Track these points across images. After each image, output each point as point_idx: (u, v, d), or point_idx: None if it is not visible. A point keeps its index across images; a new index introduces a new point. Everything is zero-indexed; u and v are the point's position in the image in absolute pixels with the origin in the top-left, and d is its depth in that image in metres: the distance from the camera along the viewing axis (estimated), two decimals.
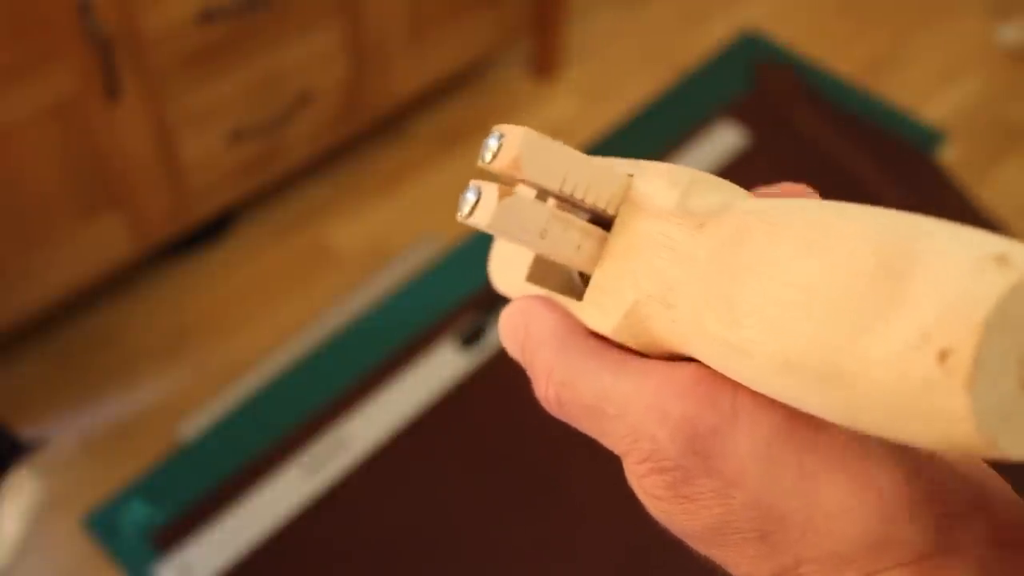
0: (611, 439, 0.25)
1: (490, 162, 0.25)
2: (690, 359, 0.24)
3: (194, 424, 1.41)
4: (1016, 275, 0.18)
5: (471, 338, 0.88)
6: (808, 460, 0.21)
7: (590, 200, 0.26)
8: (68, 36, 1.17)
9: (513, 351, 0.28)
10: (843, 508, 0.21)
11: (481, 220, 0.25)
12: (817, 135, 1.03)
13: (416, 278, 0.93)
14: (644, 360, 0.25)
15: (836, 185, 0.99)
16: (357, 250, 1.65)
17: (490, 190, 0.25)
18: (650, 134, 1.03)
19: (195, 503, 0.78)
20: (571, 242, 0.26)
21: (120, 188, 1.36)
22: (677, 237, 0.24)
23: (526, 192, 0.27)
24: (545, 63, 1.86)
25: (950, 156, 1.68)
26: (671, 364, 0.24)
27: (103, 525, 0.77)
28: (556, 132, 1.81)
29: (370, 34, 1.53)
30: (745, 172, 0.99)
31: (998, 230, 1.01)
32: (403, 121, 1.80)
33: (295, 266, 1.63)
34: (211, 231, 1.62)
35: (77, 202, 1.33)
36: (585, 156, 0.26)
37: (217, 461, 0.81)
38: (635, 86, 1.81)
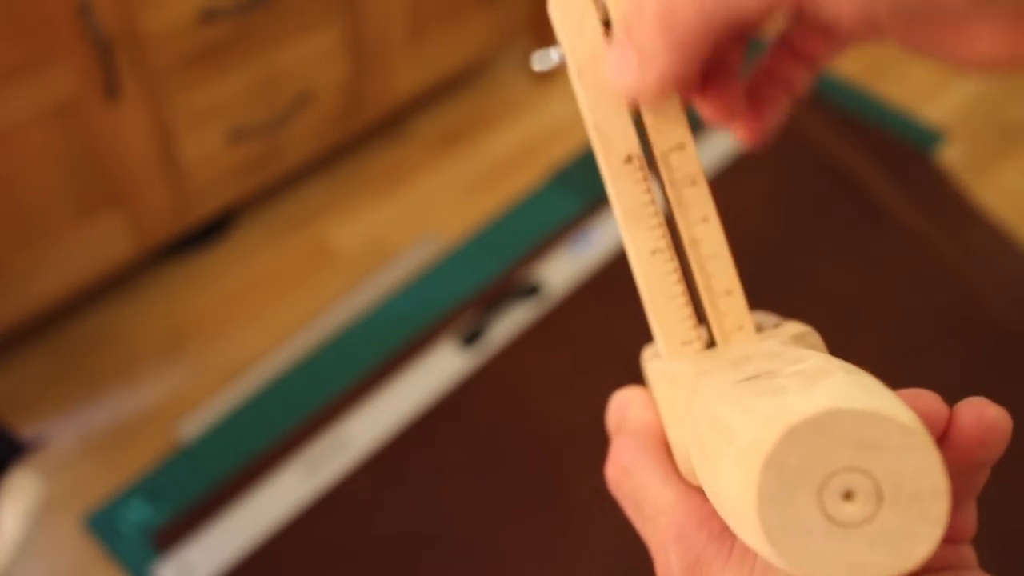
0: (643, 534, 0.29)
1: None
2: None
3: (194, 424, 1.41)
4: (783, 425, 0.20)
5: (471, 338, 0.88)
6: None
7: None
8: (68, 36, 1.17)
9: (610, 424, 0.32)
10: None
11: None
12: (817, 135, 1.03)
13: (416, 278, 0.93)
14: (688, 482, 0.28)
15: (836, 185, 0.99)
16: (357, 250, 1.65)
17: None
18: None
19: (195, 503, 0.78)
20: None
21: (120, 188, 1.36)
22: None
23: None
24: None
25: (950, 156, 1.68)
26: (703, 495, 0.27)
27: (103, 525, 0.77)
28: (556, 132, 1.81)
29: (370, 34, 1.53)
30: (745, 173, 0.99)
31: (998, 230, 1.01)
32: (403, 121, 1.80)
33: (295, 266, 1.63)
34: (211, 231, 1.62)
35: (77, 202, 1.33)
36: None
37: (217, 461, 0.81)
38: None
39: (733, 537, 0.25)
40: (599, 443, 0.82)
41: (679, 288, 0.28)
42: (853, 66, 1.88)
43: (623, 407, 0.31)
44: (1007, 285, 0.94)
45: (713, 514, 0.26)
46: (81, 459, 1.41)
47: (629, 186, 0.28)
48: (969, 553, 0.30)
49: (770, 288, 0.88)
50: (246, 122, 1.45)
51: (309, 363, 0.87)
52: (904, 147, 1.04)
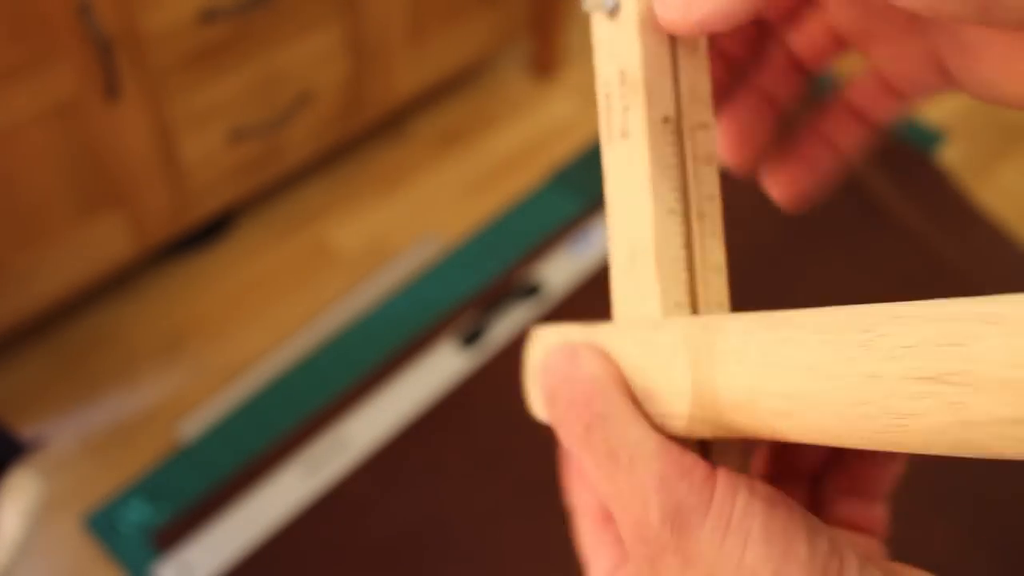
0: (610, 487, 0.27)
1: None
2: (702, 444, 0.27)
3: (194, 424, 1.41)
4: None
5: (471, 338, 0.88)
6: (751, 543, 0.24)
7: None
8: (68, 36, 1.17)
9: (551, 372, 0.29)
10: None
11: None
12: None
13: (416, 278, 0.93)
14: (661, 434, 0.27)
15: (836, 185, 0.99)
16: (357, 250, 1.65)
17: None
18: None
19: (195, 503, 0.78)
20: None
21: (120, 188, 1.36)
22: None
23: None
24: (545, 63, 1.86)
25: (950, 156, 1.68)
26: (685, 444, 0.26)
27: (103, 525, 0.77)
28: (556, 132, 1.81)
29: (370, 34, 1.53)
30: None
31: (998, 230, 1.01)
32: (403, 121, 1.80)
33: (295, 266, 1.63)
34: (211, 231, 1.62)
35: (77, 202, 1.33)
36: None
37: (217, 461, 0.81)
38: None
39: (712, 488, 0.25)
40: None
41: (682, 253, 0.28)
42: (853, 66, 1.88)
43: (571, 357, 0.29)
44: (1007, 285, 0.94)
45: (694, 465, 0.25)
46: (81, 459, 1.41)
47: (661, 145, 0.28)
48: (880, 513, 0.30)
49: (770, 288, 0.88)
50: (246, 122, 1.45)
51: (309, 363, 0.87)
52: (904, 147, 1.04)
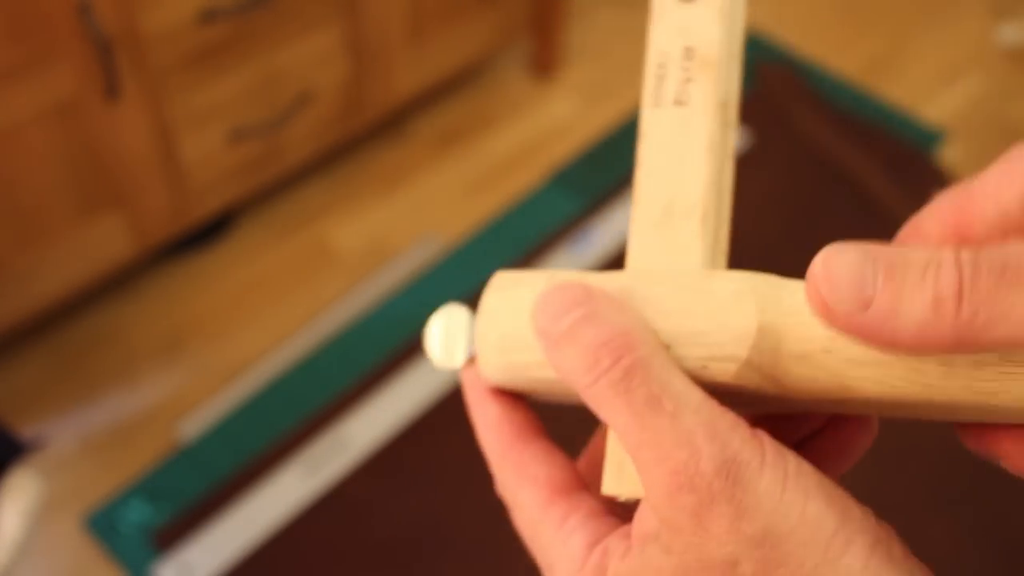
0: (645, 435, 0.25)
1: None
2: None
3: (194, 424, 1.41)
4: None
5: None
6: (811, 498, 0.24)
7: None
8: (68, 36, 1.17)
9: (568, 318, 0.27)
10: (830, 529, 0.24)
11: None
12: (817, 135, 1.03)
13: (416, 278, 0.93)
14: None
15: (836, 185, 0.99)
16: (357, 250, 1.65)
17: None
18: None
19: (195, 503, 0.78)
20: None
21: (120, 188, 1.36)
22: None
23: None
24: (545, 63, 1.86)
25: (950, 156, 1.68)
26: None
27: (103, 525, 0.77)
28: (556, 132, 1.81)
29: (370, 34, 1.53)
30: (745, 172, 0.99)
31: None
32: (403, 121, 1.80)
33: (295, 266, 1.63)
34: (211, 231, 1.62)
35: (77, 202, 1.33)
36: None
37: (217, 461, 0.81)
38: (635, 86, 1.80)
39: (761, 443, 0.25)
40: None
41: (722, 219, 0.30)
42: (853, 66, 1.88)
43: (588, 298, 0.27)
44: None
45: (738, 419, 0.25)
46: (81, 459, 1.41)
47: (718, 122, 0.30)
48: None
49: None
50: (246, 122, 1.45)
51: (309, 363, 0.87)
52: (904, 147, 1.04)
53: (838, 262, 0.24)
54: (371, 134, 1.76)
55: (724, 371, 0.25)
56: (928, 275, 0.22)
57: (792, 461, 0.24)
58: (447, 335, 0.31)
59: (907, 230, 0.29)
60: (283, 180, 1.67)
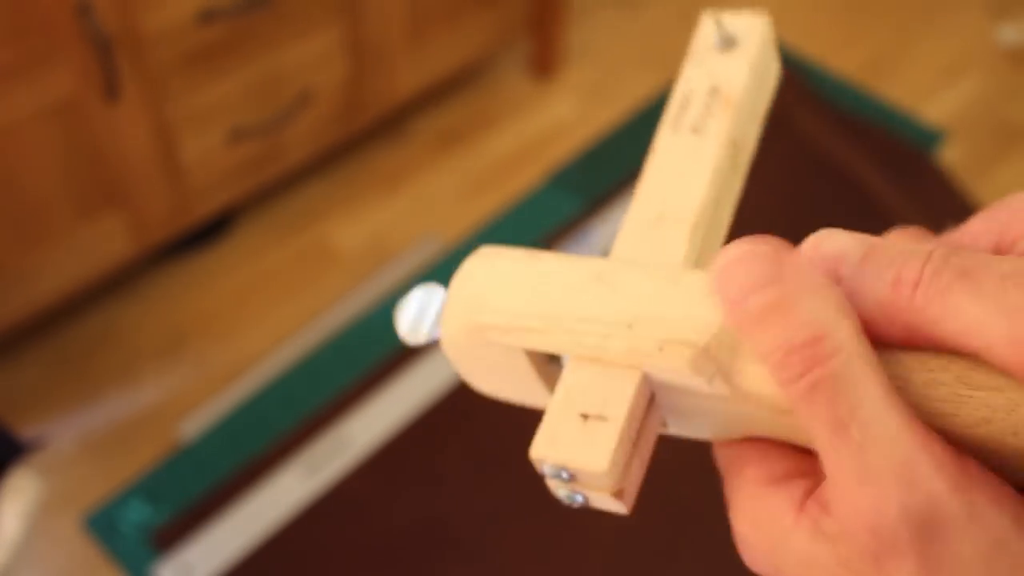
0: (834, 462, 0.22)
1: (573, 482, 0.26)
2: None
3: (194, 424, 1.41)
4: None
5: None
6: (1018, 568, 0.21)
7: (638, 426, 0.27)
8: (68, 36, 1.17)
9: (755, 293, 0.23)
10: None
11: (618, 510, 0.26)
12: (817, 135, 1.03)
13: (416, 278, 0.93)
14: (909, 405, 0.22)
15: (836, 185, 0.99)
16: (357, 250, 1.65)
17: (601, 496, 0.26)
18: (650, 134, 1.03)
19: (195, 503, 0.78)
20: (651, 441, 0.28)
21: (120, 188, 1.36)
22: None
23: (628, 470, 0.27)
24: (545, 63, 1.86)
25: (950, 156, 1.68)
26: (930, 428, 0.22)
27: (103, 525, 0.77)
28: (556, 132, 1.81)
29: (370, 34, 1.53)
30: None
31: None
32: (403, 121, 1.81)
33: (295, 266, 1.63)
34: (211, 231, 1.62)
35: (77, 202, 1.33)
36: (618, 412, 0.26)
37: (217, 461, 0.81)
38: (635, 86, 1.81)
39: (969, 487, 0.21)
40: None
41: (711, 234, 0.31)
42: (853, 66, 1.88)
43: (775, 276, 0.23)
44: None
45: (945, 454, 0.21)
46: (81, 459, 1.41)
47: (725, 157, 0.32)
48: None
49: None
50: (246, 122, 1.45)
51: (309, 363, 0.87)
52: (904, 147, 1.04)
53: (830, 238, 0.24)
54: (371, 134, 1.76)
55: (680, 354, 0.24)
56: (898, 260, 0.22)
57: (1009, 512, 0.21)
58: (420, 310, 0.31)
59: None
60: (283, 180, 1.67)
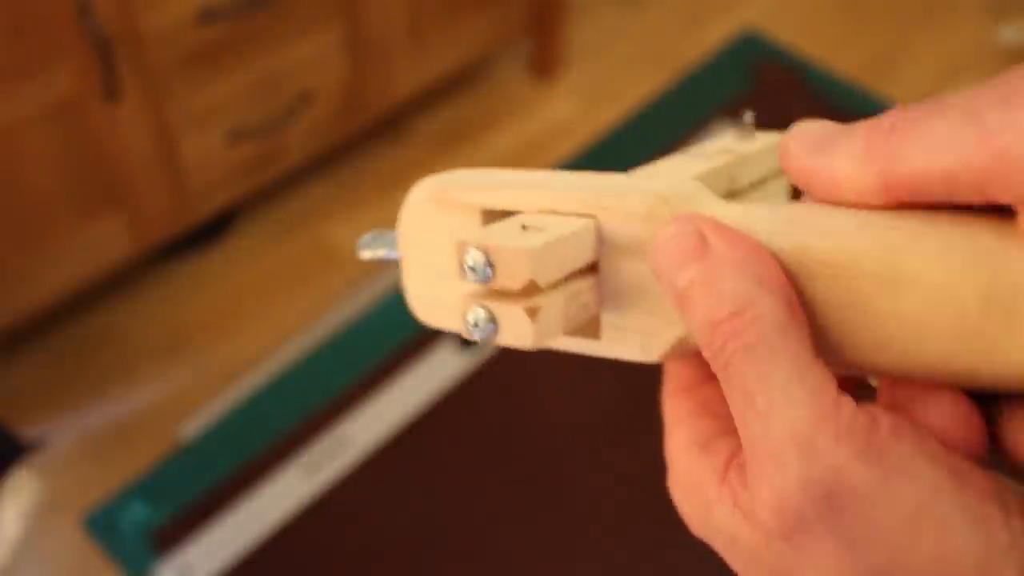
0: (747, 435, 0.21)
1: (489, 282, 0.23)
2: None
3: (194, 424, 1.41)
4: None
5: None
6: (950, 530, 0.20)
7: (577, 268, 0.25)
8: (68, 36, 1.17)
9: (682, 269, 0.23)
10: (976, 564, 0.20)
11: (517, 343, 0.24)
12: None
13: None
14: (829, 376, 0.21)
15: None
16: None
17: (513, 313, 0.23)
18: (650, 134, 1.03)
19: (195, 503, 0.78)
20: (582, 306, 0.26)
21: (120, 188, 1.36)
22: None
23: (551, 299, 0.25)
24: (545, 63, 1.86)
25: None
26: (842, 395, 0.21)
27: (103, 525, 0.77)
28: (556, 132, 1.81)
29: (370, 34, 1.53)
30: None
31: None
32: (403, 121, 1.81)
33: (295, 266, 1.63)
34: (211, 231, 1.62)
35: (77, 202, 1.33)
36: (560, 230, 0.25)
37: (217, 461, 0.81)
38: (635, 86, 1.81)
39: (880, 447, 0.20)
40: (599, 443, 0.82)
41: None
42: (853, 66, 1.88)
43: (699, 253, 0.23)
44: None
45: (854, 425, 0.20)
46: (81, 459, 1.41)
47: (716, 181, 0.32)
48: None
49: None
50: (246, 122, 1.45)
51: (309, 363, 0.87)
52: None
53: (812, 124, 0.25)
54: (371, 134, 1.76)
55: (638, 199, 0.25)
56: (870, 122, 0.23)
57: (928, 476, 0.20)
58: (380, 236, 0.31)
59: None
60: (283, 180, 1.67)
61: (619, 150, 1.01)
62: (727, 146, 0.34)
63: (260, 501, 0.79)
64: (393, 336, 0.88)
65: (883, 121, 0.23)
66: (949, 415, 0.22)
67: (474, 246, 0.23)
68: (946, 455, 0.21)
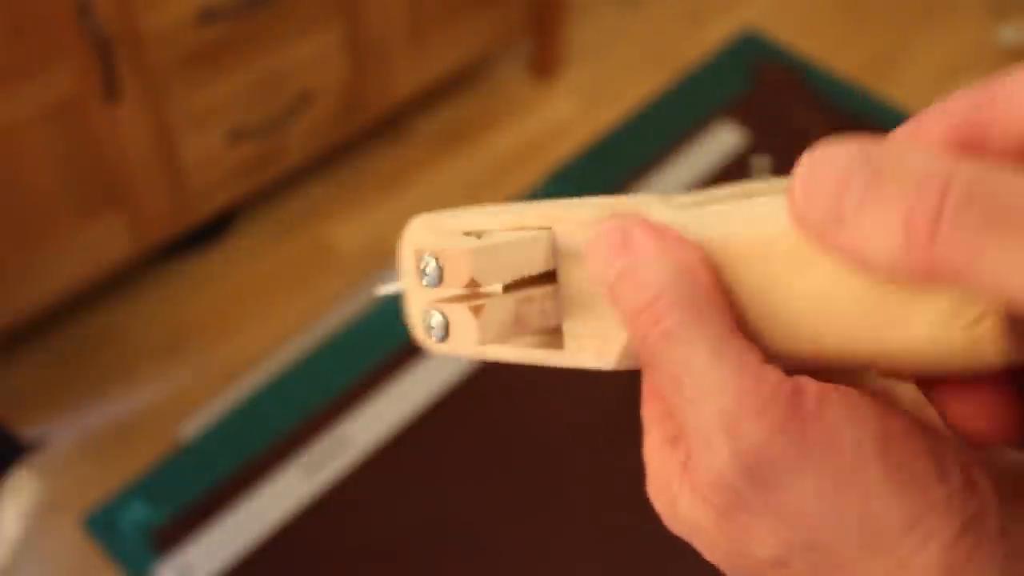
0: (680, 421, 0.22)
1: (438, 286, 0.25)
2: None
3: (194, 424, 1.41)
4: None
5: None
6: (874, 494, 0.20)
7: (529, 274, 0.26)
8: (68, 36, 1.17)
9: (610, 265, 0.24)
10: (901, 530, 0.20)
11: (466, 344, 0.25)
12: (816, 135, 1.03)
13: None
14: (751, 349, 0.22)
15: None
16: (357, 250, 1.65)
17: (459, 311, 0.25)
18: (650, 134, 1.03)
19: (195, 503, 0.78)
20: (538, 313, 0.26)
21: (120, 188, 1.36)
22: None
23: (497, 299, 0.26)
24: (545, 63, 1.86)
25: None
26: (765, 368, 0.21)
27: (103, 525, 0.77)
28: (556, 132, 1.81)
29: (370, 34, 1.53)
30: (745, 173, 1.00)
31: None
32: (403, 121, 1.80)
33: (295, 266, 1.63)
34: (211, 231, 1.62)
35: (77, 202, 1.33)
36: (509, 233, 0.26)
37: (217, 461, 0.81)
38: (635, 86, 1.81)
39: (803, 422, 0.20)
40: (599, 443, 0.82)
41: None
42: (853, 66, 1.88)
43: (625, 243, 0.23)
44: None
45: (776, 397, 0.20)
46: (81, 459, 1.41)
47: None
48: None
49: None
50: (246, 122, 1.45)
51: (309, 363, 0.87)
52: None
53: (824, 161, 0.20)
54: (371, 134, 1.76)
55: (593, 205, 0.25)
56: (910, 189, 0.18)
57: (849, 436, 0.20)
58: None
59: (906, 127, 0.23)
60: (283, 180, 1.67)
61: (619, 150, 1.01)
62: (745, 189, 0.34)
63: (260, 501, 0.79)
64: (393, 336, 0.88)
65: (927, 193, 0.18)
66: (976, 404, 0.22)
67: (428, 252, 0.25)
68: (879, 418, 0.20)
